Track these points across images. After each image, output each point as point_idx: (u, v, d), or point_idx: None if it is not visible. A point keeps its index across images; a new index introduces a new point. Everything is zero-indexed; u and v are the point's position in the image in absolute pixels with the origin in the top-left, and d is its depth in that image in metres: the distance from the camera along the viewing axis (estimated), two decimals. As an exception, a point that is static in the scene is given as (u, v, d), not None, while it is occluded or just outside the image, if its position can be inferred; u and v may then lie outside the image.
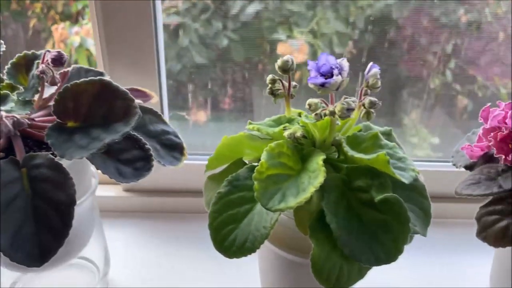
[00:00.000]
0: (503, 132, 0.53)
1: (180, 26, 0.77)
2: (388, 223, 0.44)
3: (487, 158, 0.58)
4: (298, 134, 0.47)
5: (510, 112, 0.53)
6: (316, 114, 0.45)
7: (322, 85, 0.42)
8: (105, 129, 0.44)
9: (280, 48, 0.80)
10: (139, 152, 0.46)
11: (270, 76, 0.51)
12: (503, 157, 0.53)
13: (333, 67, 0.42)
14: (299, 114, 0.54)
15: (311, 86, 0.43)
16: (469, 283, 0.69)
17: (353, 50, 0.79)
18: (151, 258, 0.72)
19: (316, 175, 0.44)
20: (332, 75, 0.42)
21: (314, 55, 0.80)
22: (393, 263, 0.74)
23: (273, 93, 0.51)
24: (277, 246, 0.52)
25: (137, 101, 0.53)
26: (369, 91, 0.48)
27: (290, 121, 0.52)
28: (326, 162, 0.50)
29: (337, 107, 0.43)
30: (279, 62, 0.49)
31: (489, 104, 0.57)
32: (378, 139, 0.48)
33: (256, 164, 0.45)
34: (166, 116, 0.77)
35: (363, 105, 0.47)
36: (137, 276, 0.68)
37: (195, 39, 0.77)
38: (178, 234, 0.76)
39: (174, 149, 0.53)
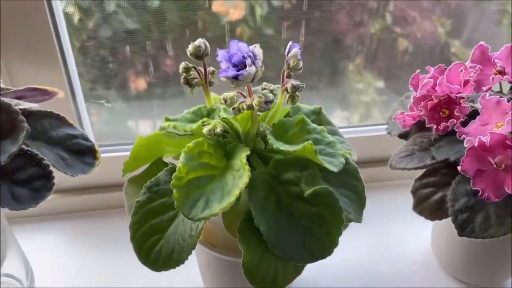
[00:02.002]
0: (433, 100, 0.51)
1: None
2: (320, 216, 0.41)
3: (421, 126, 0.56)
4: (218, 130, 0.42)
5: (439, 79, 0.51)
6: (233, 109, 0.40)
7: (235, 77, 0.37)
8: (-10, 149, 0.37)
9: (216, 6, 0.74)
10: (37, 169, 0.40)
11: (182, 64, 0.46)
12: (435, 126, 0.51)
13: (246, 56, 0.37)
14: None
15: (223, 79, 0.38)
16: (411, 243, 0.69)
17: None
18: (81, 259, 0.67)
19: (240, 174, 0.40)
20: (245, 66, 0.37)
21: (252, 10, 0.74)
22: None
23: (188, 82, 0.46)
24: (211, 248, 0.49)
25: (33, 105, 0.46)
26: (292, 73, 0.44)
27: (210, 112, 0.47)
28: (254, 154, 0.46)
29: (255, 100, 0.39)
30: (190, 48, 0.44)
31: (418, 71, 0.55)
32: (305, 123, 0.45)
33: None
34: (82, 107, 0.70)
35: (286, 89, 0.43)
36: (65, 280, 0.63)
37: (123, 3, 0.68)
38: (114, 230, 0.72)
39: (84, 154, 0.48)
